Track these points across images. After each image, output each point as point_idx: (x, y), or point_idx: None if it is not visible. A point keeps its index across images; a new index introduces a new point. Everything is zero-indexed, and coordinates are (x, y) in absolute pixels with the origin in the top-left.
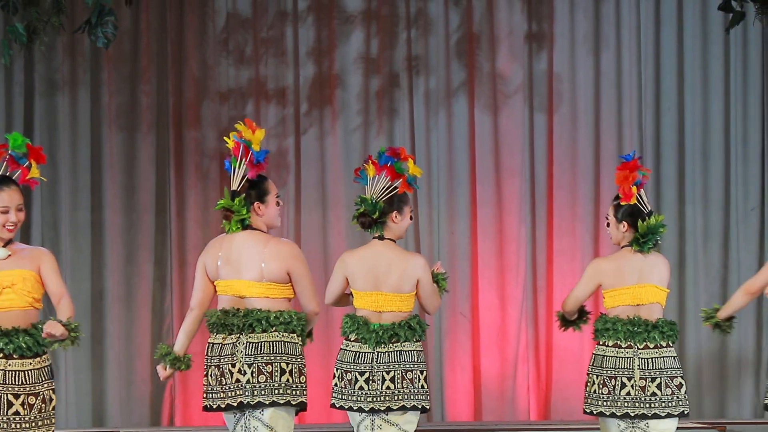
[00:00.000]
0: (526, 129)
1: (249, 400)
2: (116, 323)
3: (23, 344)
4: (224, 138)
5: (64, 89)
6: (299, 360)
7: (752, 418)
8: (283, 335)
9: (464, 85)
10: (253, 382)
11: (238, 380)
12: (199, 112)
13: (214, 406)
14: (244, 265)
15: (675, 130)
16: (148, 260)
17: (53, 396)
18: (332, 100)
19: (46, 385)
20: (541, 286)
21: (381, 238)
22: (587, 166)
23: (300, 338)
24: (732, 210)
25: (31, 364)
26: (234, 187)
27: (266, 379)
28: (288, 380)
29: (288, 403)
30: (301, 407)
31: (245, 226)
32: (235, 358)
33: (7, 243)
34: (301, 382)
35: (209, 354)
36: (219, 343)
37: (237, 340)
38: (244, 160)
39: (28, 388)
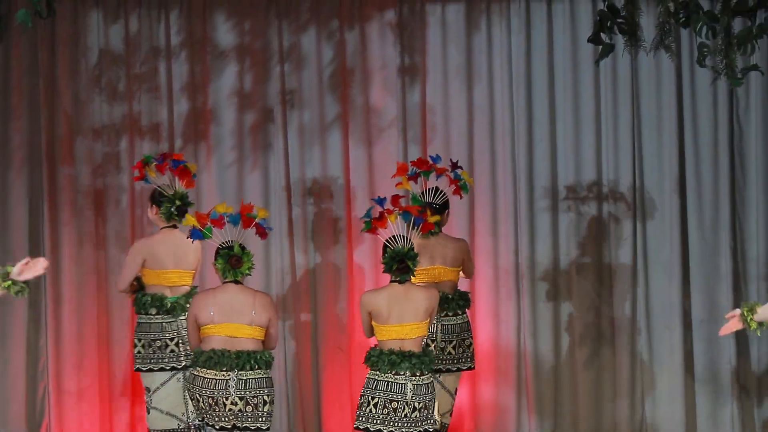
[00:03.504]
0: (400, 161)
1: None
2: None
3: None
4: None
5: None
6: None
7: None
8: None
9: (338, 119)
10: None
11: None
12: (72, 148)
13: (217, 427)
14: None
15: (547, 160)
16: (22, 300)
17: None
18: (207, 136)
19: None
20: None
21: None
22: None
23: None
24: (603, 241)
25: None
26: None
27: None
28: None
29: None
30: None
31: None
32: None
33: None
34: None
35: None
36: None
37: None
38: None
39: None
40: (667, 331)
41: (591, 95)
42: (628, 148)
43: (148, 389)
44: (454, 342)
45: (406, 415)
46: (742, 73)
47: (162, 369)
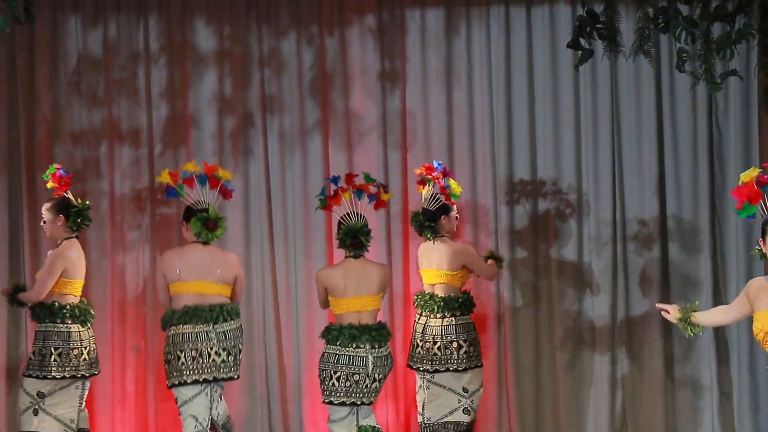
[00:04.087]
0: (380, 166)
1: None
2: None
3: None
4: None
5: None
6: None
7: None
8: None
9: (318, 124)
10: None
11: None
12: (51, 153)
13: (189, 381)
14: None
15: (528, 166)
16: (2, 305)
17: None
18: (187, 141)
19: None
20: (398, 324)
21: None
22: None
23: None
24: (585, 244)
25: None
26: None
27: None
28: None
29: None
30: None
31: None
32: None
33: None
34: None
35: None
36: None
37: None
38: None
39: None
40: (647, 335)
41: (570, 100)
42: (607, 152)
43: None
44: (456, 343)
45: (366, 386)
46: (721, 78)
47: None
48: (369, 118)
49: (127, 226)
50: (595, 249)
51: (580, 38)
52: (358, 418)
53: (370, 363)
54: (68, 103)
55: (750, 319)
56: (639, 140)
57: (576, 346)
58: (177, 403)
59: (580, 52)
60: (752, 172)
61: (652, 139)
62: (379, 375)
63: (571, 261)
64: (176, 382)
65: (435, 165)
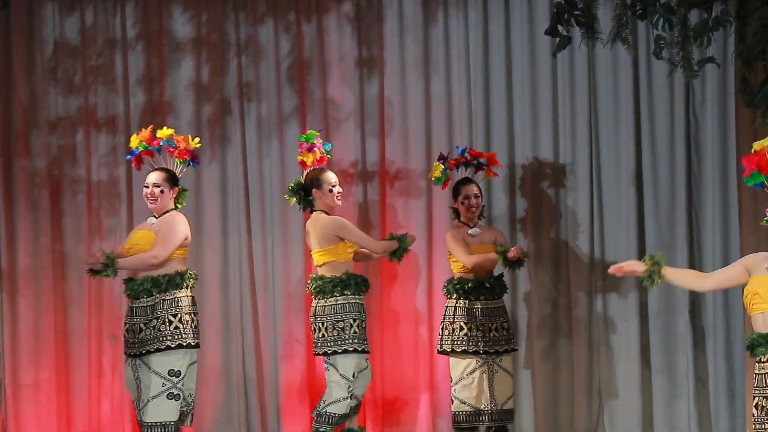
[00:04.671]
0: (358, 154)
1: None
2: None
3: None
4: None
5: None
6: None
7: None
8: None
9: (296, 111)
10: None
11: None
12: (28, 141)
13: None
14: None
15: (505, 154)
16: None
17: None
18: (164, 128)
19: None
20: (375, 310)
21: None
22: (419, 191)
23: None
24: (561, 233)
25: None
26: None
27: None
28: None
29: None
30: None
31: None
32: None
33: None
34: None
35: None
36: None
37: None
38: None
39: None
40: (624, 323)
41: (548, 87)
42: (585, 140)
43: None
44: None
45: (316, 337)
46: (699, 65)
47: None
48: (346, 106)
49: (104, 214)
50: (572, 237)
51: (558, 25)
52: None
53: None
54: (45, 90)
55: (726, 304)
56: (616, 128)
57: (552, 333)
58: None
59: (558, 39)
60: (765, 141)
61: (629, 128)
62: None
63: (547, 249)
64: (196, 343)
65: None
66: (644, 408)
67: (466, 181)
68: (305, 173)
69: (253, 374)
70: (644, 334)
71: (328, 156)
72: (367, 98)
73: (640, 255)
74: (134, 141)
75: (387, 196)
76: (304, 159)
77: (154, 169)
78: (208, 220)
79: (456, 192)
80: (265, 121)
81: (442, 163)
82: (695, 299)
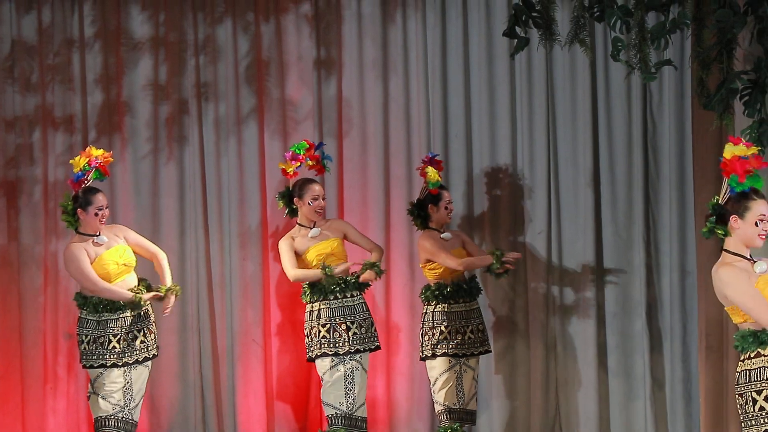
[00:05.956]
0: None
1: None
2: None
3: None
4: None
5: None
6: None
7: None
8: None
9: (254, 112)
10: None
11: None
12: None
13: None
14: None
15: (463, 155)
16: None
17: None
18: (121, 128)
19: None
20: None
21: None
22: (377, 191)
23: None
24: (519, 235)
25: None
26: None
27: None
28: None
29: None
30: None
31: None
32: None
33: None
34: None
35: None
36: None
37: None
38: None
39: None
40: (580, 324)
41: (506, 89)
42: (542, 141)
43: None
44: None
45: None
46: (656, 67)
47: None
48: (305, 106)
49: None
50: (530, 238)
51: (516, 27)
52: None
53: None
54: (1, 89)
55: (683, 306)
56: (574, 130)
57: (509, 334)
58: None
59: (516, 40)
60: (735, 149)
61: (587, 129)
62: None
63: (504, 249)
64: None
65: (429, 154)
66: (601, 409)
67: (443, 186)
68: (291, 181)
69: (210, 374)
70: (601, 336)
71: (327, 169)
72: (326, 98)
73: (598, 256)
74: (80, 162)
75: (345, 195)
76: (286, 167)
77: (100, 190)
78: (165, 219)
79: (437, 198)
80: (223, 120)
81: (434, 166)
82: (652, 301)
